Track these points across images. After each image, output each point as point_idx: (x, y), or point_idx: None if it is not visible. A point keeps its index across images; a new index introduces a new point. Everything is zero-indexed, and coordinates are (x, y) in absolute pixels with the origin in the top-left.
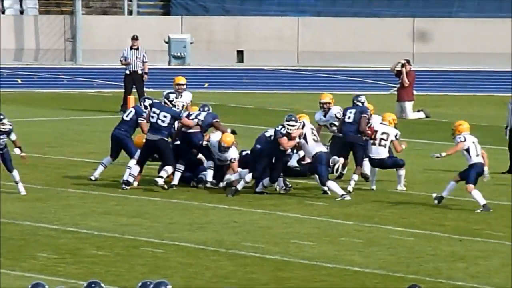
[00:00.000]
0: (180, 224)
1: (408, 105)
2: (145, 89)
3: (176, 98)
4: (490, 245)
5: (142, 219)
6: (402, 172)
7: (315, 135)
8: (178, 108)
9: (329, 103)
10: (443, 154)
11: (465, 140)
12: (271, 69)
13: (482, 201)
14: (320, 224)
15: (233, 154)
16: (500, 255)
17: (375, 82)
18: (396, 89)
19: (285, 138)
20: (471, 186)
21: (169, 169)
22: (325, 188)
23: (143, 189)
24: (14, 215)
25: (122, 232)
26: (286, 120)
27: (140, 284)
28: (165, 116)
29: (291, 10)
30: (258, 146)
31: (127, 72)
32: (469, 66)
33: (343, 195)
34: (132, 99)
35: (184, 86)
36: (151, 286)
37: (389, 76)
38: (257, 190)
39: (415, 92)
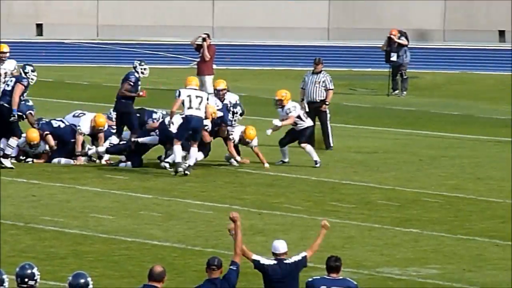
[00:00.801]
0: None
1: (208, 79)
2: None
3: None
4: (289, 218)
5: None
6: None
7: None
8: None
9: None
10: (279, 124)
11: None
12: (71, 43)
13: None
14: (119, 198)
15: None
16: (298, 229)
17: (175, 56)
18: (196, 63)
19: None
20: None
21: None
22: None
23: None
24: None
25: None
26: None
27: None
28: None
29: None
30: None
31: None
32: (267, 40)
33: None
34: None
35: (7, 54)
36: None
37: (189, 50)
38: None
39: (215, 66)
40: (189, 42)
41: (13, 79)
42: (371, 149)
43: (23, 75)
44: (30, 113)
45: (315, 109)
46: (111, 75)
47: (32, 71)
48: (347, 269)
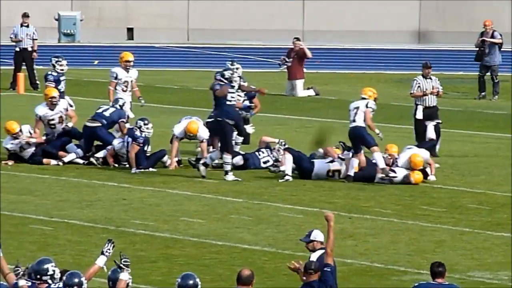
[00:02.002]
0: (69, 202)
1: (299, 83)
2: (35, 66)
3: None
4: (379, 222)
5: (31, 197)
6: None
7: None
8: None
9: None
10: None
11: None
12: (161, 47)
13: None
14: (209, 202)
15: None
16: (388, 233)
17: (265, 60)
18: (286, 67)
19: None
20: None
21: None
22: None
23: (32, 167)
24: None
25: (11, 209)
26: None
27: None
28: None
29: None
30: None
31: (17, 49)
32: (358, 44)
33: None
34: (21, 76)
35: (132, 63)
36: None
37: (279, 54)
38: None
39: (305, 70)
40: (279, 46)
41: None
42: (462, 152)
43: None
44: (122, 121)
45: (429, 115)
46: (200, 79)
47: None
48: None
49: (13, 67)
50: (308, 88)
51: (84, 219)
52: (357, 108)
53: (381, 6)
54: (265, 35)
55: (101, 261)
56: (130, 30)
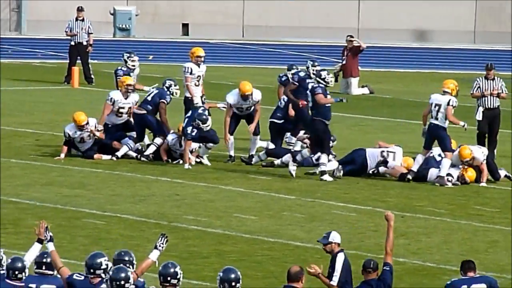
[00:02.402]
0: (122, 196)
1: (354, 81)
2: (89, 60)
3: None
4: (432, 222)
5: (84, 191)
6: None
7: None
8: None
9: None
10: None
11: None
12: (216, 43)
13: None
14: (262, 198)
15: None
16: (441, 232)
17: (320, 57)
18: (340, 65)
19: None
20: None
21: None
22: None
23: (86, 161)
24: None
25: (64, 203)
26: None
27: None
28: None
29: None
30: None
31: (72, 43)
32: (413, 42)
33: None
34: (76, 70)
35: (203, 58)
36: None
37: (334, 52)
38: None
39: (359, 68)
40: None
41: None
42: (502, 152)
43: (166, 90)
44: (163, 101)
45: (489, 117)
46: (255, 75)
47: (175, 85)
48: (490, 273)
49: (67, 61)
50: (363, 86)
51: (137, 213)
52: (439, 105)
53: (437, 6)
54: (320, 33)
55: (154, 255)
56: (185, 26)
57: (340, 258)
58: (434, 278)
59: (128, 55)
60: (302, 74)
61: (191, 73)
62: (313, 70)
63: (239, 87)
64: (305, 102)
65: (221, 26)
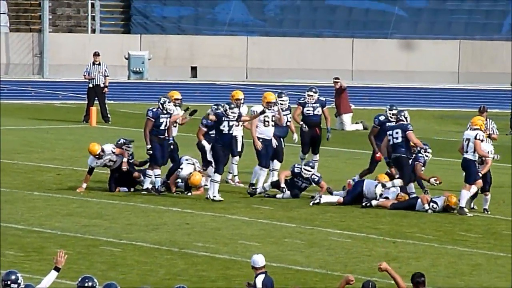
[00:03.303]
0: (137, 225)
1: (346, 117)
2: (106, 101)
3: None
4: (420, 247)
5: (102, 220)
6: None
7: None
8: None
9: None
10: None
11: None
12: (222, 84)
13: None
14: (265, 226)
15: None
16: (429, 256)
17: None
18: (334, 103)
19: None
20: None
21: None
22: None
23: (103, 193)
24: None
25: (83, 232)
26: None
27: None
28: None
29: (241, 30)
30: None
31: (90, 85)
32: (403, 82)
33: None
34: (94, 110)
35: (242, 101)
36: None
37: (330, 91)
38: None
39: (353, 106)
40: (331, 84)
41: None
42: (497, 183)
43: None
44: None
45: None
46: None
47: (168, 102)
48: None
49: (86, 102)
50: (357, 123)
51: (150, 241)
52: (468, 140)
53: (424, 49)
54: (318, 74)
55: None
56: (194, 69)
57: (259, 280)
58: None
59: (164, 99)
60: (382, 118)
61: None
62: (390, 114)
63: (190, 178)
64: (380, 156)
65: (227, 69)
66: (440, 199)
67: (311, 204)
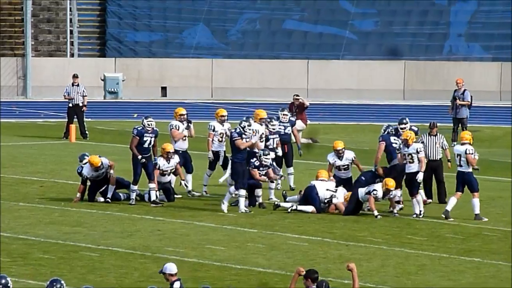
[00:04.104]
0: (113, 232)
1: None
2: (85, 119)
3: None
4: (371, 249)
5: (81, 228)
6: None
7: None
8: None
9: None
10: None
11: None
12: (190, 102)
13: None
14: (230, 232)
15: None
16: (379, 258)
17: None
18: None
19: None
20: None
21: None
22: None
23: (82, 203)
24: None
25: (64, 239)
26: None
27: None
28: None
29: (207, 53)
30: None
31: (70, 105)
32: (353, 100)
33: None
34: (73, 127)
35: (226, 117)
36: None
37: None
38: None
39: (309, 122)
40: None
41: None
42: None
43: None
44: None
45: (432, 167)
46: None
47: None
48: None
49: (66, 120)
50: (307, 138)
51: (125, 246)
52: (460, 155)
53: (372, 68)
54: (276, 93)
55: None
56: (164, 89)
57: (177, 285)
58: None
59: (145, 118)
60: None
61: (213, 130)
62: (400, 127)
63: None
64: (382, 172)
65: (194, 88)
66: (379, 185)
67: (288, 210)
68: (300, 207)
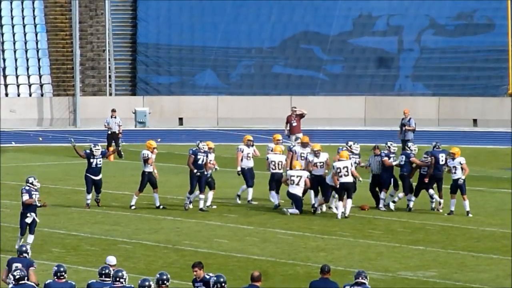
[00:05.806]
0: (142, 229)
1: (300, 136)
2: (120, 143)
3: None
4: (341, 241)
5: (118, 226)
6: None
7: None
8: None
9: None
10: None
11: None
12: (200, 129)
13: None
14: (232, 229)
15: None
16: (347, 247)
17: (267, 137)
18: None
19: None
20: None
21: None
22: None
23: (119, 208)
24: (39, 225)
25: (106, 234)
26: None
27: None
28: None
29: (213, 91)
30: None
31: (109, 132)
32: (326, 126)
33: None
34: (111, 150)
35: (252, 142)
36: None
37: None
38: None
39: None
40: (275, 128)
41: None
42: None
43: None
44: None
45: (377, 180)
46: (227, 150)
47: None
48: (378, 273)
49: (106, 144)
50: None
51: (152, 240)
52: (455, 167)
53: (340, 102)
54: (267, 122)
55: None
56: (180, 119)
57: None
58: (343, 277)
59: (199, 141)
60: (385, 152)
61: (242, 151)
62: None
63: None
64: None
65: (203, 119)
66: (329, 177)
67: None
68: (290, 211)
